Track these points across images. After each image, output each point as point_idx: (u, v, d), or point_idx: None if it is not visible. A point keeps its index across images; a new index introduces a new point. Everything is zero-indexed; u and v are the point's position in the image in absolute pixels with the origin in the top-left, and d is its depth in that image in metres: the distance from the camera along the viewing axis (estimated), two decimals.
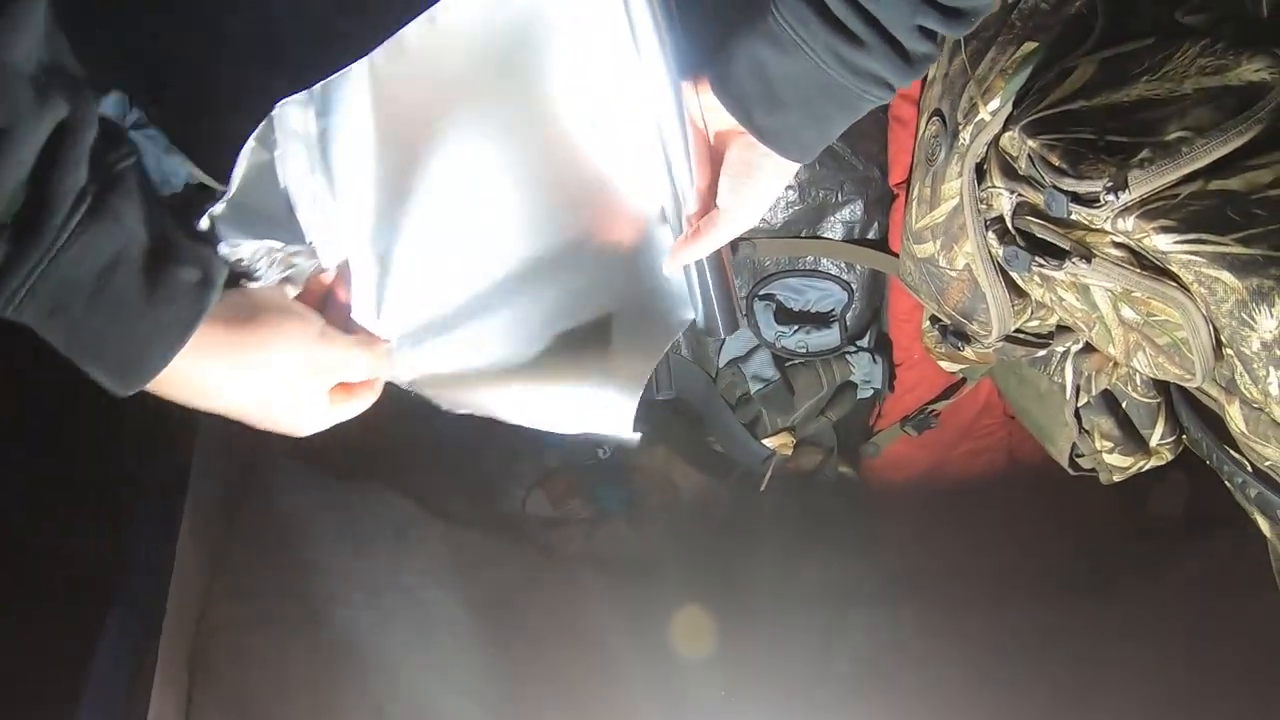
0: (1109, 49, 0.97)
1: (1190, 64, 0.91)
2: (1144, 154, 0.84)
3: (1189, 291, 0.89)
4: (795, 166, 0.90)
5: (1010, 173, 1.00)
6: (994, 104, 1.03)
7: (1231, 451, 1.06)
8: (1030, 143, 0.94)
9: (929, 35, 0.80)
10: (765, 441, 1.48)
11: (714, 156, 0.92)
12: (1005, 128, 1.01)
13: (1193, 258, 0.83)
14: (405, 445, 1.42)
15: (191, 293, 0.69)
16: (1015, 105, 1.01)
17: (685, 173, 0.91)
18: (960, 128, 1.06)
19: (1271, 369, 0.83)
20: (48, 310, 0.63)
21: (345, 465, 1.36)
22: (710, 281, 0.98)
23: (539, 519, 1.52)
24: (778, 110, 0.86)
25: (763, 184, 0.92)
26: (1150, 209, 0.84)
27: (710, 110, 0.89)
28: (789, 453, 1.50)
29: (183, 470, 0.97)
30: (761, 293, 1.42)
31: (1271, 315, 0.80)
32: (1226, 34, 0.93)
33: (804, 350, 1.44)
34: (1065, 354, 1.19)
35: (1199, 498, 1.50)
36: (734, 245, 1.07)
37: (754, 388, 1.47)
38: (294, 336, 0.77)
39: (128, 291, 0.65)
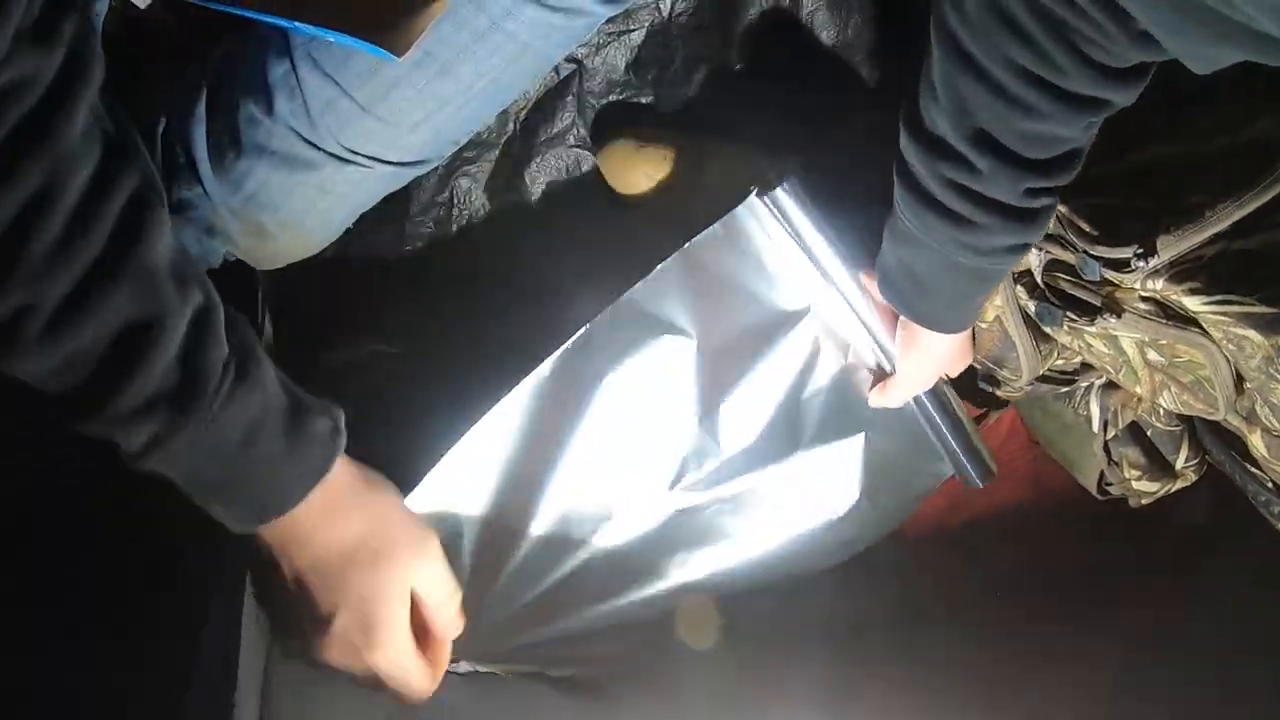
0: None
1: (1202, 124, 0.97)
2: (1168, 219, 0.90)
3: (1210, 336, 0.94)
4: (956, 335, 1.07)
5: None
6: None
7: (1255, 471, 1.12)
8: (1060, 207, 0.99)
9: (1041, 193, 0.84)
10: None
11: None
12: None
13: (1221, 317, 0.88)
14: None
15: (326, 439, 0.80)
16: None
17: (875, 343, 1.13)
18: None
19: None
20: (193, 467, 0.74)
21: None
22: (951, 437, 1.20)
23: None
24: (928, 298, 0.99)
25: (926, 349, 1.08)
26: (1178, 271, 0.90)
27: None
28: None
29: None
30: None
31: None
32: (1233, 94, 0.99)
33: None
34: (1090, 388, 1.25)
35: (1223, 508, 1.55)
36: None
37: None
38: (403, 517, 0.89)
39: (272, 445, 0.76)
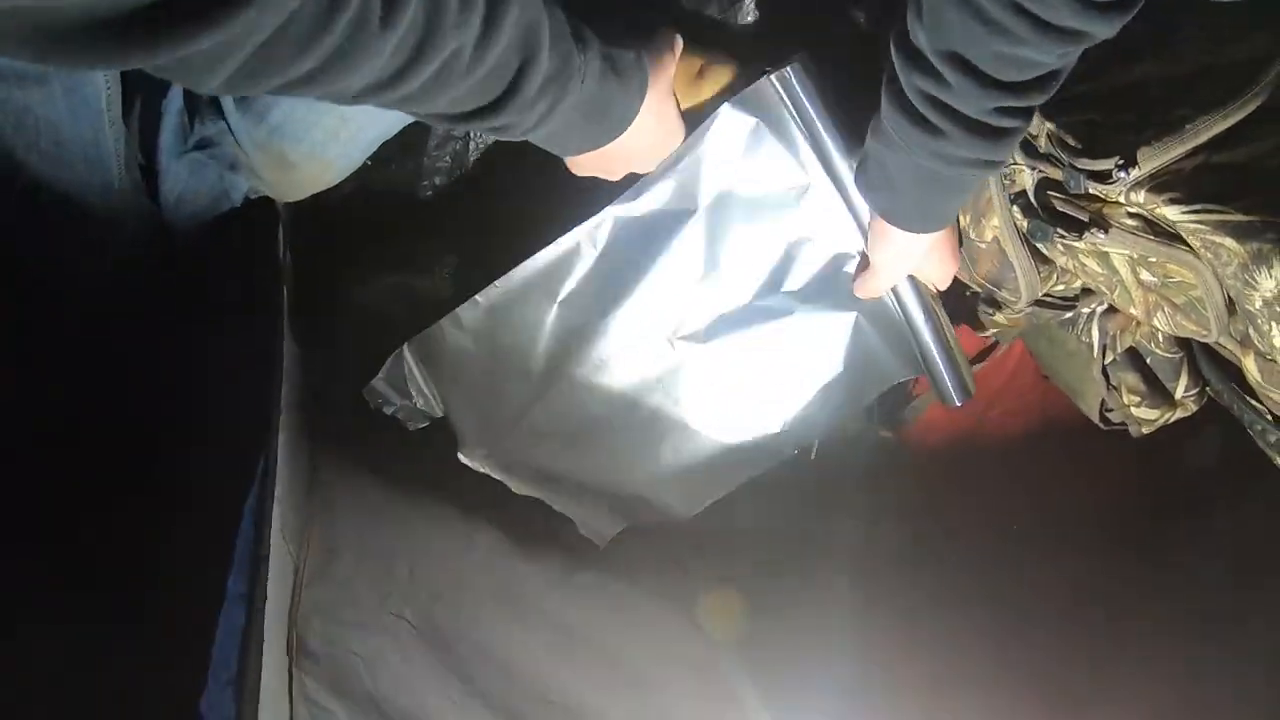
0: None
1: (1188, 42, 0.98)
2: (1150, 132, 0.91)
3: (1199, 255, 0.96)
4: (924, 236, 1.10)
5: (1031, 151, 1.07)
6: None
7: (1252, 401, 1.13)
8: (1048, 124, 1.01)
9: (1010, 113, 0.88)
10: None
11: None
12: None
13: (1199, 226, 0.90)
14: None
15: (641, 72, 1.01)
16: None
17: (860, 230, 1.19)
18: None
19: (1274, 324, 0.90)
20: (567, 122, 0.94)
21: (408, 455, 1.44)
22: (938, 354, 1.25)
23: None
24: (894, 194, 1.05)
25: (893, 244, 1.12)
26: (1159, 183, 0.91)
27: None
28: None
29: (269, 471, 1.06)
30: None
31: (1271, 275, 0.87)
32: (1220, 10, 1.00)
33: None
34: (1091, 315, 1.26)
35: (1232, 449, 1.55)
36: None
37: None
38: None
39: (612, 90, 0.97)
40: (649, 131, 1.08)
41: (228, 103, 1.16)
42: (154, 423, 1.18)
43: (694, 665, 1.37)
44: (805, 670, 1.45)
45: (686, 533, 1.59)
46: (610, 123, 1.01)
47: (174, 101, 1.20)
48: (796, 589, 1.58)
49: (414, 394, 1.34)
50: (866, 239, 1.18)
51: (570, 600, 1.34)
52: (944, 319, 1.24)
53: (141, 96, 1.18)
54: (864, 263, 1.21)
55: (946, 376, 1.26)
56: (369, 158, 1.34)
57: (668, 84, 1.08)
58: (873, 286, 1.20)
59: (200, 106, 1.19)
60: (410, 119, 1.20)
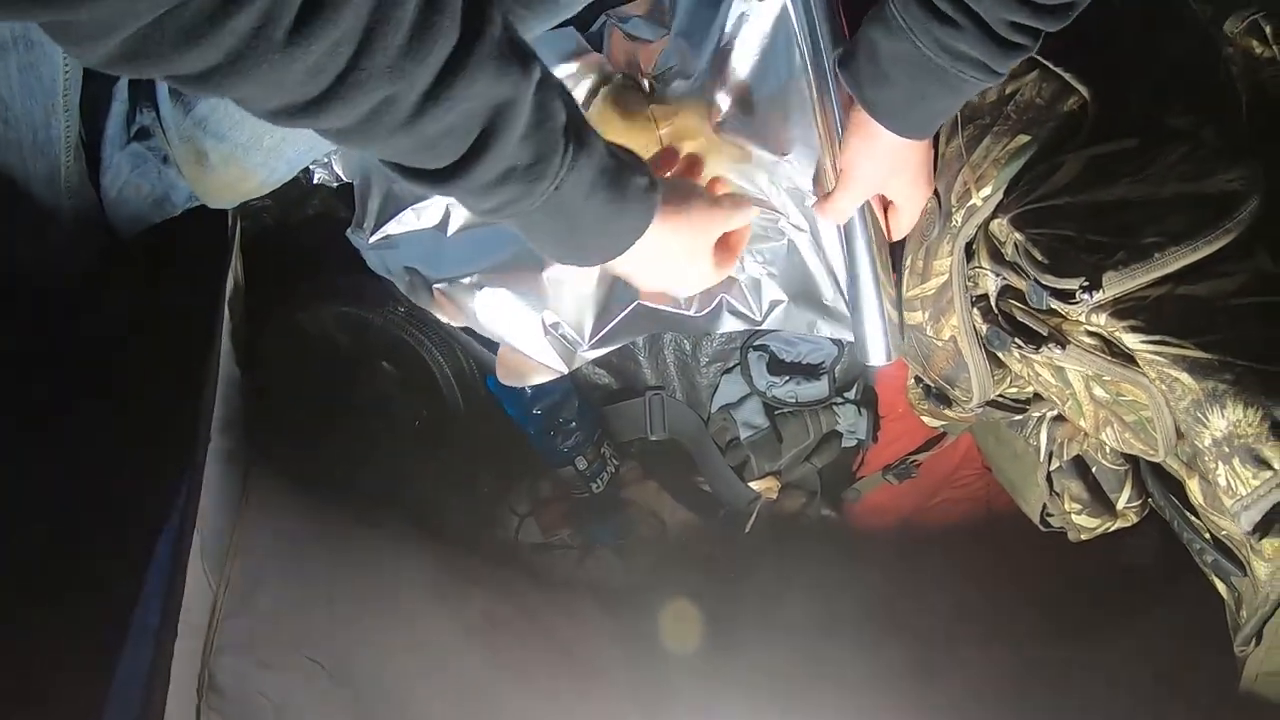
0: (1096, 146, 1.04)
1: (1172, 169, 0.98)
2: (1119, 256, 0.91)
3: (1153, 383, 0.96)
4: (911, 143, 1.05)
5: (997, 257, 1.07)
6: (986, 190, 1.08)
7: (1192, 518, 1.13)
8: (1016, 235, 1.01)
9: (1022, 30, 0.89)
10: (752, 484, 1.55)
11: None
12: (995, 214, 1.08)
13: (1156, 357, 0.90)
14: (402, 470, 1.48)
15: (645, 194, 0.90)
16: (1006, 193, 1.08)
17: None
18: (954, 209, 1.12)
19: (1220, 463, 0.90)
20: (536, 224, 0.84)
21: (342, 486, 1.42)
22: (864, 311, 1.20)
23: (531, 545, 1.58)
24: (884, 86, 0.99)
25: (871, 141, 1.06)
26: (1122, 309, 0.91)
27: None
28: (774, 496, 1.56)
29: (191, 495, 1.03)
30: (756, 344, 1.49)
31: (1223, 416, 0.87)
32: (1208, 140, 1.00)
33: (793, 400, 1.51)
34: (1041, 419, 1.26)
35: (1170, 549, 1.57)
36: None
37: (744, 434, 1.53)
38: (700, 205, 1.01)
39: (605, 205, 0.86)
40: (655, 267, 0.99)
41: (161, 89, 1.12)
42: (74, 426, 1.15)
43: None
44: None
45: (621, 599, 1.58)
46: (590, 247, 0.91)
47: (120, 89, 1.17)
48: (741, 663, 1.57)
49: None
50: (835, 160, 1.13)
51: (485, 658, 1.31)
52: (886, 265, 1.20)
53: (91, 82, 1.14)
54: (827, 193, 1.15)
55: (869, 329, 1.22)
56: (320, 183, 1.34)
57: (691, 220, 0.99)
58: (839, 203, 1.13)
59: (141, 94, 1.16)
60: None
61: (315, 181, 1.33)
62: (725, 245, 1.06)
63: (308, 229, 1.42)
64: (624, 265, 0.94)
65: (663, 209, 0.92)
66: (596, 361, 1.47)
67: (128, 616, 0.93)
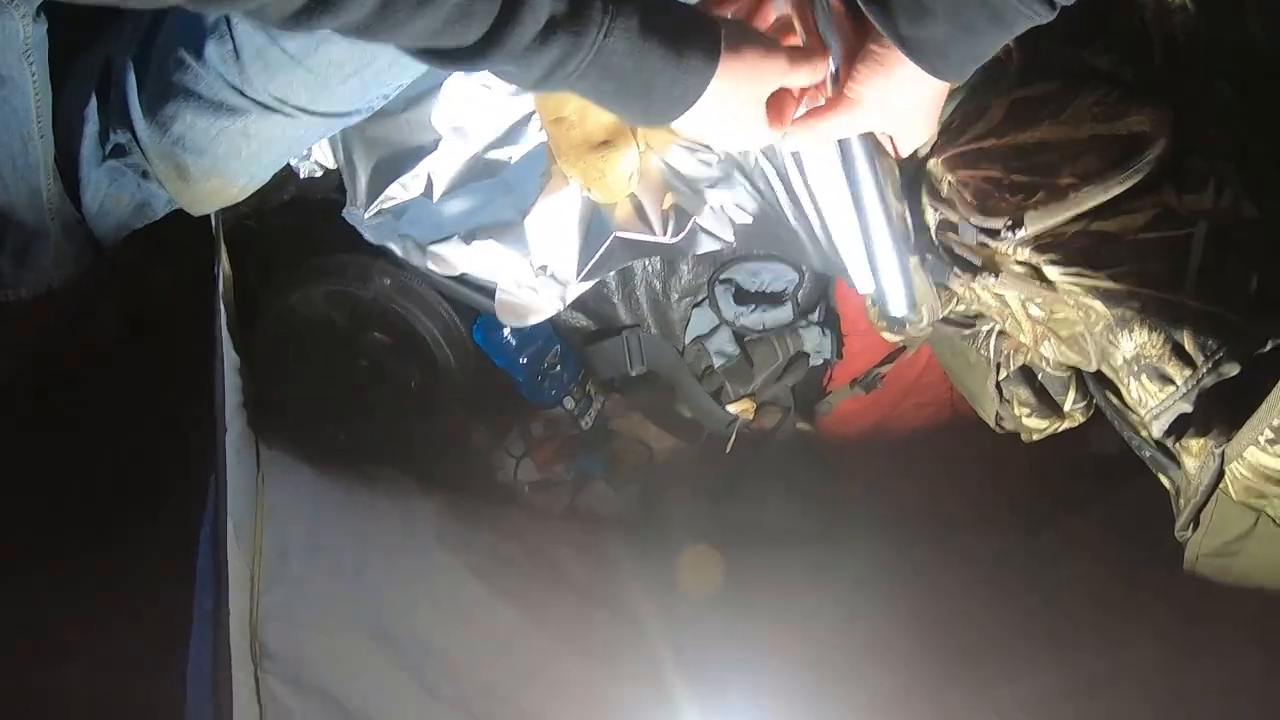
0: (1021, 90, 1.11)
1: (1087, 110, 1.06)
2: (1039, 196, 1.00)
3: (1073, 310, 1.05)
4: (936, 84, 0.88)
5: (935, 194, 1.15)
6: None
7: (1131, 415, 1.24)
8: (949, 176, 1.09)
9: None
10: (729, 407, 1.65)
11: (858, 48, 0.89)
12: (932, 153, 1.16)
13: (1073, 287, 0.99)
14: (403, 430, 1.57)
15: (706, 39, 0.80)
16: (940, 134, 1.16)
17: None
18: None
19: (1132, 379, 1.00)
20: (593, 84, 0.76)
21: (348, 452, 1.50)
22: (891, 259, 1.13)
23: (528, 484, 1.68)
24: (924, 21, 0.82)
25: (894, 88, 0.88)
26: (1042, 244, 1.00)
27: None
28: (750, 417, 1.67)
29: (219, 484, 1.12)
30: (722, 277, 1.57)
31: (1131, 339, 0.97)
32: (1124, 80, 1.08)
33: (761, 326, 1.60)
34: (990, 332, 1.35)
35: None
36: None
37: (717, 362, 1.63)
38: (762, 56, 0.86)
39: (661, 64, 0.78)
40: (721, 122, 0.87)
41: (135, 111, 1.14)
42: (93, 436, 1.22)
43: (620, 656, 1.44)
44: (732, 655, 1.53)
45: (616, 525, 1.68)
46: (656, 99, 0.80)
47: (91, 111, 1.19)
48: (725, 577, 1.66)
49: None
50: (837, 73, 0.92)
51: (496, 596, 1.40)
52: (898, 199, 1.15)
53: (63, 105, 1.17)
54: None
55: (886, 278, 1.15)
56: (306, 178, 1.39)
57: (757, 70, 0.86)
58: (829, 126, 0.92)
59: (114, 111, 1.19)
60: (318, 138, 1.22)
61: (301, 176, 1.39)
62: (779, 102, 0.91)
63: (284, 216, 1.48)
64: (689, 121, 0.84)
65: (726, 56, 0.81)
66: (574, 305, 1.55)
67: (188, 608, 1.01)
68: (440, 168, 1.28)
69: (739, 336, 1.62)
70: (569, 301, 1.38)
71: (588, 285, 1.36)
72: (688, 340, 1.64)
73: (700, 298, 1.61)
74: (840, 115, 0.91)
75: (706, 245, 1.35)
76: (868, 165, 1.03)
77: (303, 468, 1.38)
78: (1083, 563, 1.61)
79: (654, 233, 1.31)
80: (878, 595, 1.63)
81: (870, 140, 1.02)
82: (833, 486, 1.80)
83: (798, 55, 0.88)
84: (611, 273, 1.46)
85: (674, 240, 1.32)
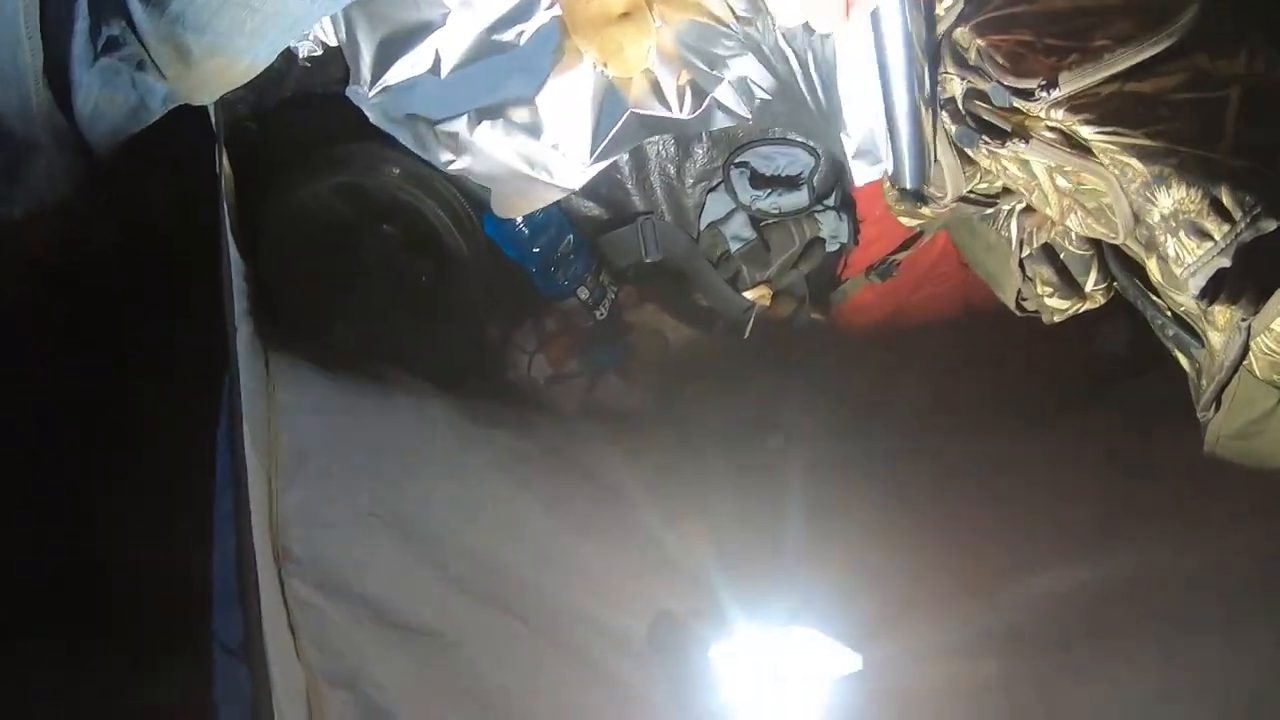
0: None
1: None
2: (1073, 58, 0.97)
3: (1108, 169, 1.03)
4: None
5: (962, 62, 1.12)
6: (948, 1, 1.13)
7: (1154, 297, 1.23)
8: (979, 41, 1.06)
9: None
10: (745, 294, 1.63)
11: None
12: (957, 23, 1.13)
13: (1109, 145, 0.97)
14: (415, 326, 1.55)
15: None
16: (967, 2, 1.12)
17: None
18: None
19: (1169, 236, 0.99)
20: None
21: (360, 351, 1.49)
22: (905, 132, 1.15)
23: (543, 380, 1.67)
24: None
25: None
26: (1077, 104, 0.98)
27: None
28: (767, 303, 1.65)
29: (234, 388, 1.11)
30: (737, 160, 1.55)
31: (1169, 195, 0.95)
32: None
33: (777, 211, 1.58)
34: (1011, 211, 1.33)
35: (1141, 338, 1.65)
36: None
37: (733, 246, 1.61)
38: None
39: None
40: None
41: None
42: (107, 359, 1.20)
43: (643, 547, 1.45)
44: (749, 538, 1.54)
45: (632, 418, 1.68)
46: None
47: (81, 7, 1.16)
48: (742, 467, 1.67)
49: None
50: None
51: (517, 492, 1.40)
52: (923, 70, 1.14)
53: (51, 7, 1.14)
54: None
55: (905, 148, 1.19)
56: (306, 59, 1.36)
57: None
58: None
59: (105, 8, 1.15)
60: (326, 11, 1.18)
61: (302, 55, 1.35)
62: None
63: (285, 114, 1.44)
64: None
65: None
66: (585, 193, 1.53)
67: (209, 512, 1.00)
68: (448, 43, 1.25)
69: (755, 221, 1.60)
70: (584, 183, 1.35)
71: (602, 165, 1.34)
72: (703, 226, 1.62)
73: (715, 182, 1.58)
74: None
75: (722, 121, 1.32)
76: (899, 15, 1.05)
77: (314, 370, 1.37)
78: (1093, 459, 1.62)
79: (670, 109, 1.28)
80: (878, 483, 1.65)
81: None
82: (848, 379, 1.80)
83: None
84: (625, 155, 1.44)
85: (691, 117, 1.30)
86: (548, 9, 1.24)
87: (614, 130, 1.28)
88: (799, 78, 1.23)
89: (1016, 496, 1.62)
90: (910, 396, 1.78)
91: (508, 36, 1.24)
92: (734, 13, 1.21)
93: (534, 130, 1.28)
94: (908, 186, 1.22)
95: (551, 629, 1.31)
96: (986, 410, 1.77)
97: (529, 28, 1.24)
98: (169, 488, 1.07)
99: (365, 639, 1.15)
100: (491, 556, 1.30)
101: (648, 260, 1.62)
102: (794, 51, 1.20)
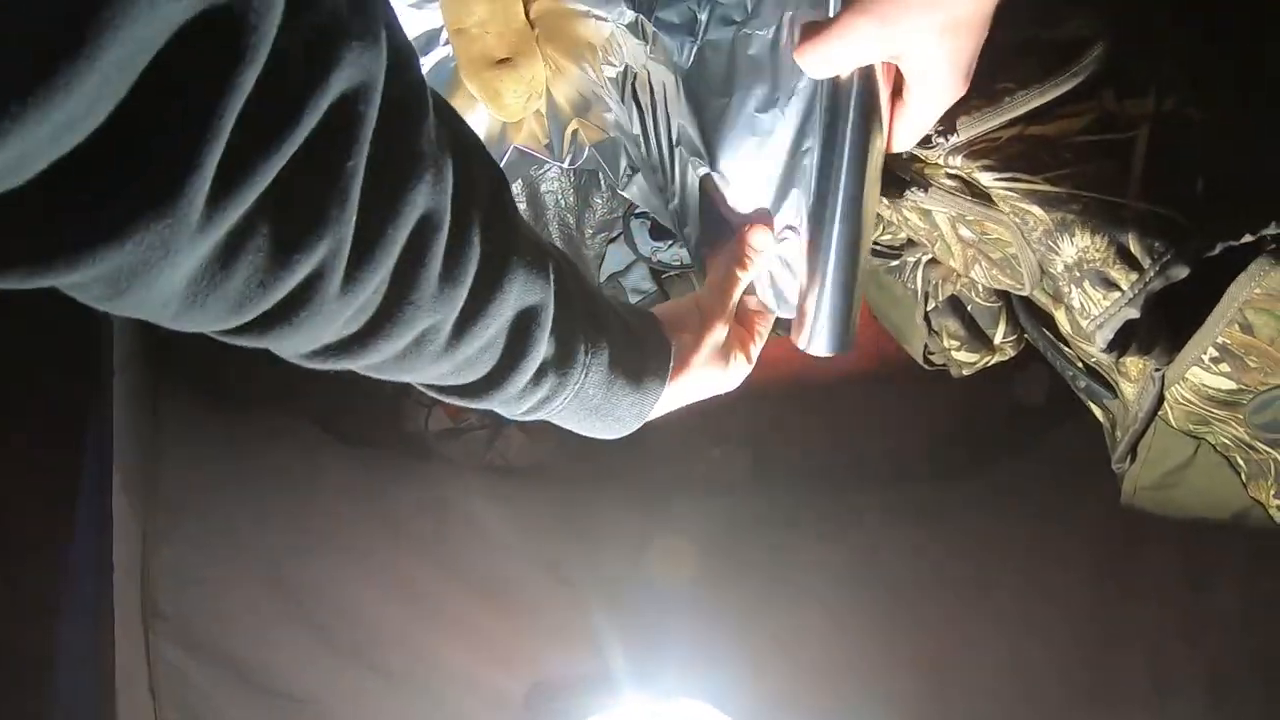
0: None
1: (1023, 14, 1.00)
2: (973, 101, 0.94)
3: (1009, 219, 1.00)
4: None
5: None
6: None
7: (1064, 348, 1.20)
8: None
9: None
10: None
11: None
12: None
13: (1008, 192, 0.94)
14: (306, 376, 1.47)
15: (657, 378, 0.90)
16: None
17: None
18: None
19: (1073, 286, 0.95)
20: (567, 413, 0.84)
21: (250, 402, 1.42)
22: (828, 297, 0.98)
23: (441, 433, 1.61)
24: None
25: None
26: (975, 149, 0.94)
27: None
28: None
29: (104, 431, 1.04)
30: (637, 212, 1.51)
31: (1072, 243, 0.91)
32: None
33: (678, 263, 1.53)
34: (916, 263, 1.30)
35: (1057, 388, 1.64)
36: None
37: (633, 299, 1.56)
38: (706, 352, 0.98)
39: (625, 390, 0.87)
40: (681, 400, 0.98)
41: None
42: None
43: (539, 609, 1.40)
44: (646, 600, 1.49)
45: (532, 474, 1.62)
46: (618, 419, 0.90)
47: None
48: (643, 527, 1.62)
49: None
50: None
51: (416, 551, 1.35)
52: (874, 191, 0.94)
53: None
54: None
55: (825, 308, 1.00)
56: None
57: (696, 375, 0.97)
58: (831, 48, 0.78)
59: None
60: None
61: None
62: (743, 339, 1.06)
63: None
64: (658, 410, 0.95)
65: (672, 375, 0.92)
66: None
67: (63, 558, 0.93)
68: None
69: (655, 273, 1.55)
70: None
71: None
72: (603, 278, 1.57)
73: (615, 233, 1.54)
74: (848, 32, 0.77)
75: (605, 177, 1.28)
76: (852, 137, 0.89)
77: (202, 420, 1.31)
78: (1010, 510, 1.60)
79: (550, 157, 1.24)
80: (804, 546, 1.61)
81: (866, 92, 0.86)
82: (758, 434, 1.76)
83: (739, 354, 1.05)
84: (523, 203, 1.38)
85: (572, 167, 1.26)
86: (444, 44, 1.19)
87: (501, 163, 1.23)
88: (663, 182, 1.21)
89: (936, 549, 1.59)
90: (822, 451, 1.75)
91: None
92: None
93: None
94: (819, 355, 1.04)
95: (426, 689, 1.26)
96: (903, 463, 1.74)
97: (428, 62, 1.19)
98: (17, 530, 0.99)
99: (228, 703, 1.08)
100: (371, 615, 1.25)
101: None
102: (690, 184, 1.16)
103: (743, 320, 1.08)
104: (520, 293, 0.71)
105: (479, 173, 0.69)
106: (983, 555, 1.56)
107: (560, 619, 1.42)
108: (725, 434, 1.73)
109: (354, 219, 0.55)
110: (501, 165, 1.21)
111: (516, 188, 1.39)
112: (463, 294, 0.66)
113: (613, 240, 1.54)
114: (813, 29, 0.78)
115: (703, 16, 1.03)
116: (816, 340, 1.00)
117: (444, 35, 1.18)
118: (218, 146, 0.45)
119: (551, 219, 1.50)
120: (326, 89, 0.50)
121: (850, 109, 0.87)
